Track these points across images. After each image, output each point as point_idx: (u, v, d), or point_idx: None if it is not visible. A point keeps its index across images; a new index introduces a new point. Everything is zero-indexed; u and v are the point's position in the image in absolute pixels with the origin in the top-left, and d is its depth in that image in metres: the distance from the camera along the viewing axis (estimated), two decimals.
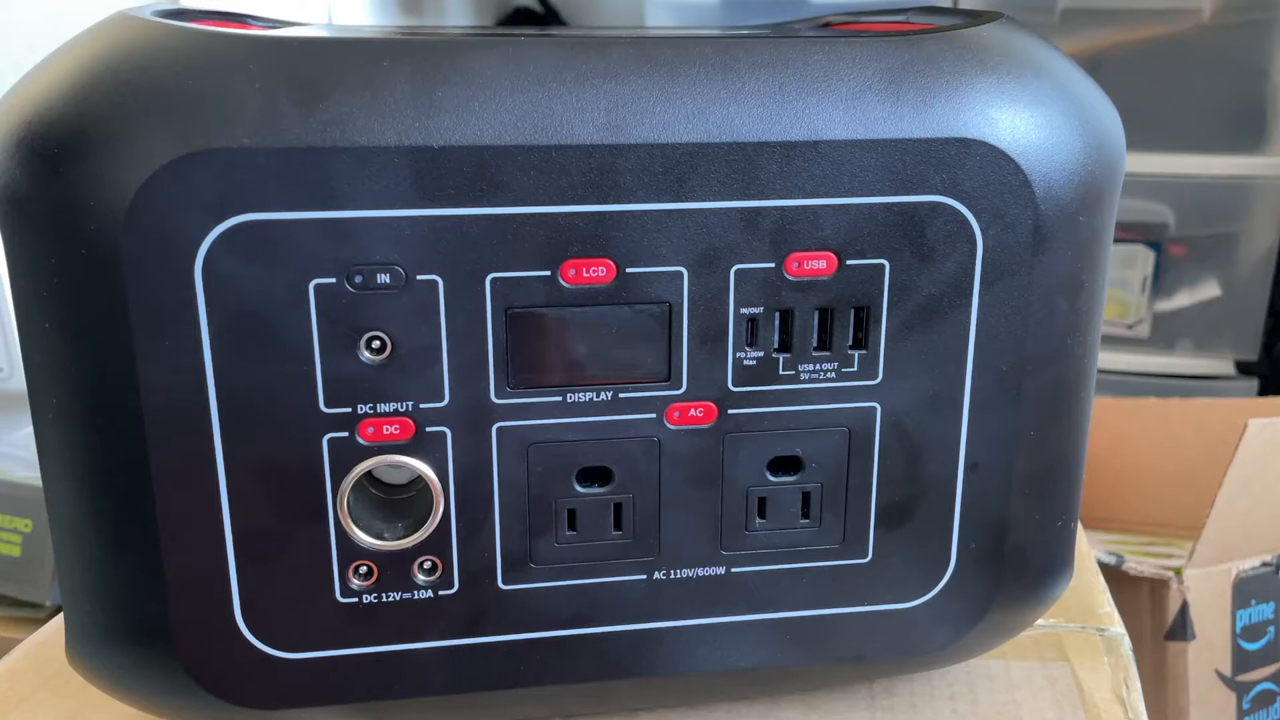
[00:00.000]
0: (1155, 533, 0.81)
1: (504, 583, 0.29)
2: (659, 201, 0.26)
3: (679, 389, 0.28)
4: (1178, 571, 0.67)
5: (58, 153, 0.24)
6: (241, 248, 0.25)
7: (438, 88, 0.25)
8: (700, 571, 0.30)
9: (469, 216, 0.26)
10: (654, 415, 0.28)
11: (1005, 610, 0.32)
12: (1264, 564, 0.70)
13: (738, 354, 0.28)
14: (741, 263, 0.27)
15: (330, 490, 0.27)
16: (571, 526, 0.29)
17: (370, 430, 0.27)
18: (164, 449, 0.26)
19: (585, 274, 0.27)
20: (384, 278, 0.26)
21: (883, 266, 0.28)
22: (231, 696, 0.29)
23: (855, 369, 0.29)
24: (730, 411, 0.29)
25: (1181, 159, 1.15)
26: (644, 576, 0.30)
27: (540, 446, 0.28)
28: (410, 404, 0.27)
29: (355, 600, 0.28)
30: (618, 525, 0.29)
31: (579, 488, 0.29)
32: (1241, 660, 0.69)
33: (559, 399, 0.28)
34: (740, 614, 0.31)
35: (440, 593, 0.29)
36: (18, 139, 0.25)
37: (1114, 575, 0.67)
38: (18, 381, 0.81)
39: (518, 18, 1.39)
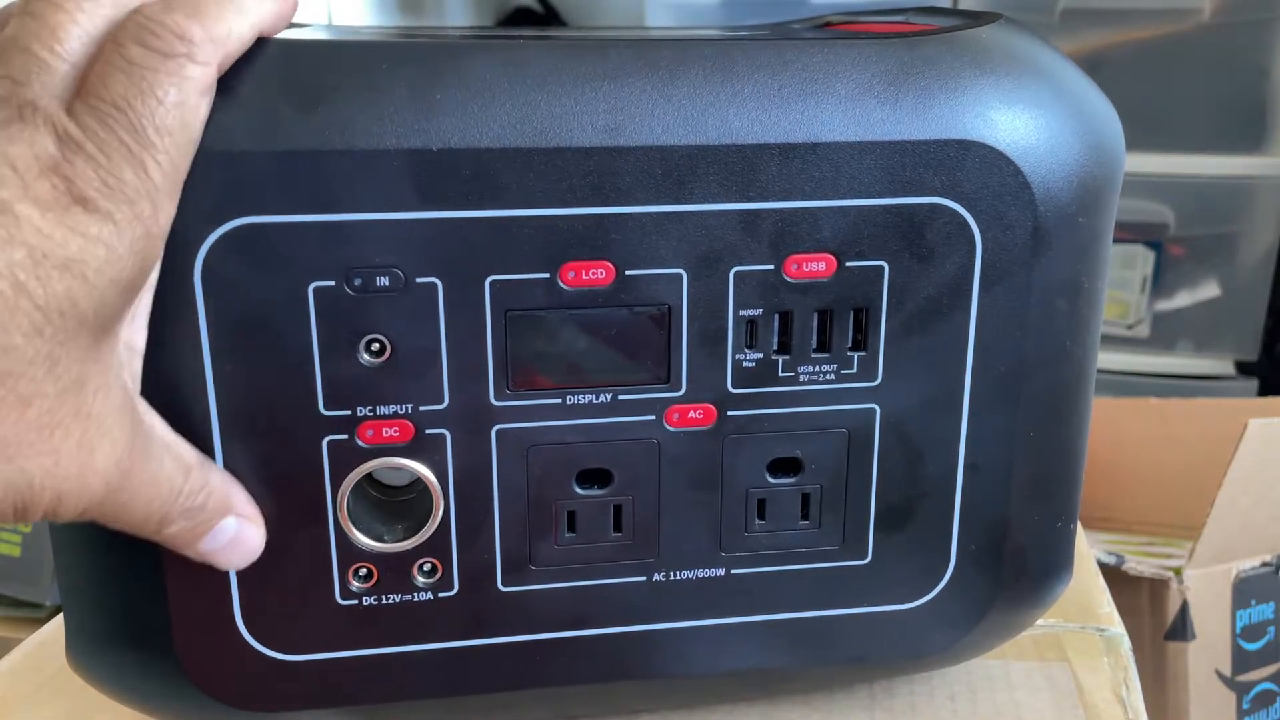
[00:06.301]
0: (1155, 533, 0.81)
1: (504, 584, 0.29)
2: (658, 204, 0.26)
3: (678, 391, 0.28)
4: (1178, 571, 0.67)
5: None
6: (241, 250, 0.25)
7: (437, 90, 0.25)
8: (700, 573, 0.30)
9: (468, 219, 0.26)
10: (653, 417, 0.28)
11: (1005, 611, 0.32)
12: (1264, 564, 0.70)
13: (737, 356, 0.28)
14: (741, 265, 0.27)
15: (330, 492, 0.27)
16: (571, 528, 0.29)
17: (370, 433, 0.27)
18: None
19: (584, 276, 0.27)
20: (383, 280, 0.26)
21: (882, 268, 0.28)
22: (232, 700, 0.29)
23: (855, 370, 0.29)
24: (730, 413, 0.29)
25: (1181, 159, 1.15)
26: (644, 578, 0.30)
27: (540, 448, 0.28)
28: (410, 406, 0.27)
29: (355, 602, 0.28)
30: (617, 527, 0.29)
31: (578, 489, 0.29)
32: (1241, 660, 0.69)
33: (558, 401, 0.28)
34: (740, 615, 0.31)
35: (440, 594, 0.29)
36: None
37: (1114, 575, 0.67)
38: None
39: (518, 18, 1.39)
